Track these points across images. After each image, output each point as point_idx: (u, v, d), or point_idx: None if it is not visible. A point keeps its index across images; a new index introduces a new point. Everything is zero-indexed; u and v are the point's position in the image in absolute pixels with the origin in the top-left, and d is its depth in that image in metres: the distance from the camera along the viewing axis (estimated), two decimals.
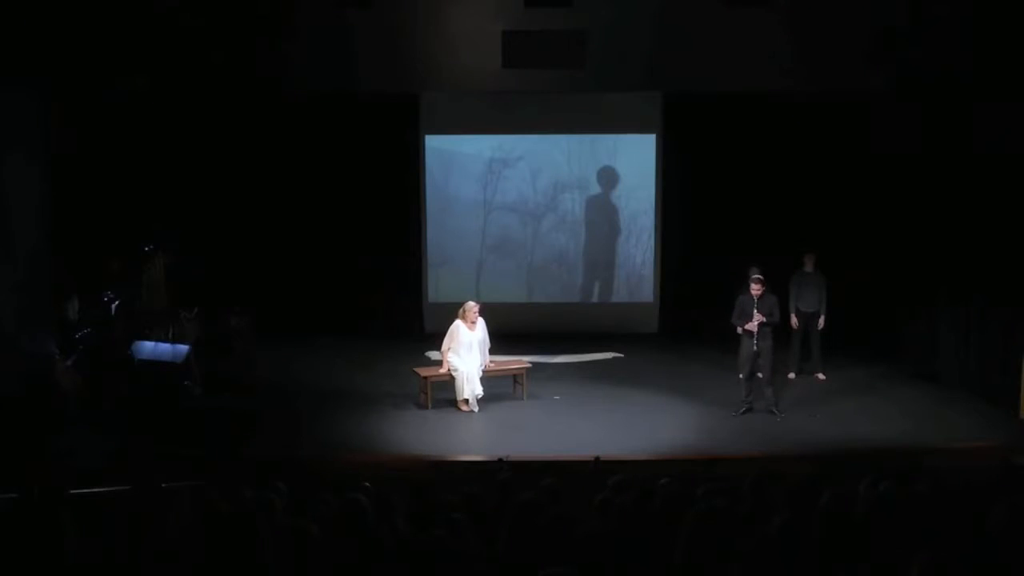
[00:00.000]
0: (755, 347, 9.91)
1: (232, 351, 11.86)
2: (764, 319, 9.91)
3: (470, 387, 10.25)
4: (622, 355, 12.90)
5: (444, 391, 10.43)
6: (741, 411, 10.14)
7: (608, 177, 14.26)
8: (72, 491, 6.22)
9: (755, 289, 9.98)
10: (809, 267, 11.50)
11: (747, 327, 9.97)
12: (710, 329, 13.02)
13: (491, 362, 10.63)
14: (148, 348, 10.49)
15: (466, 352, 10.35)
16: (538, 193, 14.28)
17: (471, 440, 9.64)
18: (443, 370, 10.41)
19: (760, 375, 10.10)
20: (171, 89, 11.41)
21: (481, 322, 10.58)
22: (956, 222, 11.13)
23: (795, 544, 3.88)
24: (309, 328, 13.38)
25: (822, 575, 3.85)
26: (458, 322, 10.50)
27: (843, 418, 10.04)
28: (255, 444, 9.27)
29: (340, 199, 13.90)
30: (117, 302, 11.09)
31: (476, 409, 10.28)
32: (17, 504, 5.60)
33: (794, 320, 11.48)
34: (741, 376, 10.36)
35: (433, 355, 11.58)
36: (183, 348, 10.61)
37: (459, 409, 10.26)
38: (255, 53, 10.20)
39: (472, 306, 10.56)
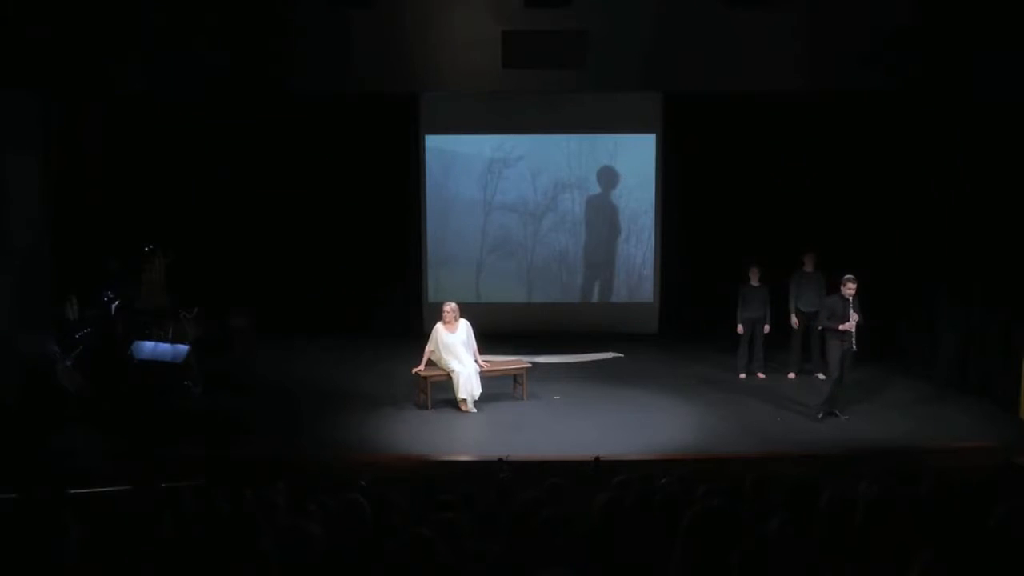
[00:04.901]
0: (853, 348, 9.73)
1: (232, 351, 11.88)
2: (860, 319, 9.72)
3: (469, 387, 10.24)
4: (622, 355, 12.91)
5: (444, 391, 10.43)
6: (826, 415, 9.96)
7: (608, 177, 14.27)
8: (72, 491, 6.23)
9: (849, 289, 9.66)
10: (809, 267, 11.51)
11: (844, 327, 9.66)
12: (709, 329, 13.06)
13: (485, 362, 10.56)
14: (148, 348, 10.51)
15: (446, 353, 10.30)
16: (538, 193, 14.28)
17: (471, 440, 9.64)
18: (420, 368, 10.36)
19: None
20: (171, 90, 11.42)
21: (464, 323, 10.51)
22: (956, 222, 11.14)
23: (795, 544, 3.88)
24: (309, 328, 13.41)
25: (822, 575, 3.85)
26: (439, 324, 10.49)
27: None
28: (255, 444, 9.28)
29: (340, 199, 13.92)
30: (117, 302, 11.10)
31: (475, 410, 10.28)
32: (17, 504, 5.60)
33: (794, 320, 11.48)
34: (823, 376, 10.69)
35: None
36: (183, 348, 10.63)
37: (459, 409, 10.27)
38: (255, 53, 10.21)
39: (446, 306, 10.49)
